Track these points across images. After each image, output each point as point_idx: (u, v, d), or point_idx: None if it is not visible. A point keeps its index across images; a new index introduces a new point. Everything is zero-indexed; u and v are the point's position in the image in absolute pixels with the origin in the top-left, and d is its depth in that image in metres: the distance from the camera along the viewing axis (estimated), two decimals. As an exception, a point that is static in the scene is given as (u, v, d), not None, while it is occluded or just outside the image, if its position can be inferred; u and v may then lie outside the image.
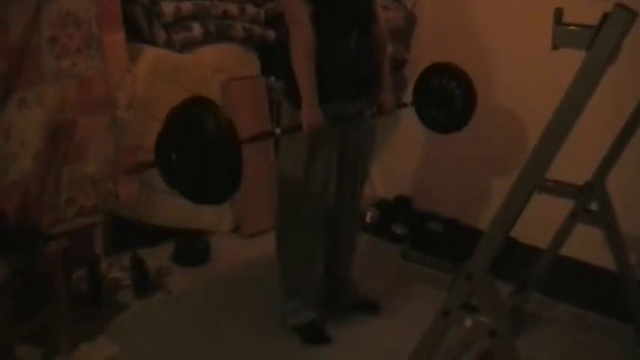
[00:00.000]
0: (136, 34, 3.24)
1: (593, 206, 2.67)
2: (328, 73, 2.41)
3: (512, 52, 3.51)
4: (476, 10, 3.68)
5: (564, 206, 2.71)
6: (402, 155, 4.25)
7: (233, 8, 3.62)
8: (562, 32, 1.58)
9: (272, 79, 3.89)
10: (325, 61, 2.40)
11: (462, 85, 2.89)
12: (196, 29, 3.45)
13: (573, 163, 2.63)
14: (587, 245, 3.11)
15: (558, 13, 1.63)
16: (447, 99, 2.91)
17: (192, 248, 3.40)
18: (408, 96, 3.15)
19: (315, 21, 2.36)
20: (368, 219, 4.00)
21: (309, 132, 2.39)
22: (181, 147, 1.96)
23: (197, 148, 1.91)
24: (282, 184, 2.66)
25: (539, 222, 2.90)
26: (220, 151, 1.90)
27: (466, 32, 3.73)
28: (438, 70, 2.94)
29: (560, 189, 2.67)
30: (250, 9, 3.72)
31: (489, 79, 3.54)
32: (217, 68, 3.59)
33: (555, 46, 1.60)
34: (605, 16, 1.44)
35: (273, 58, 3.85)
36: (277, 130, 2.44)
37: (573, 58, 1.56)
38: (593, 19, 1.49)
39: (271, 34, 3.85)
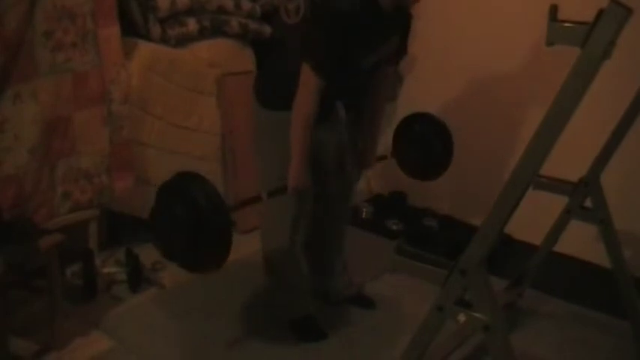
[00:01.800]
0: (131, 29, 3.24)
1: (588, 202, 2.67)
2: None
3: (510, 47, 3.51)
4: (473, 5, 3.67)
5: (559, 202, 2.71)
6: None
7: (228, 3, 3.61)
8: (556, 29, 1.57)
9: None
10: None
11: (440, 134, 2.94)
12: (192, 24, 3.44)
13: (568, 160, 2.64)
14: (581, 241, 3.12)
15: (553, 10, 1.63)
16: (427, 148, 2.97)
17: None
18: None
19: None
20: (363, 215, 4.00)
21: (293, 193, 2.44)
22: (174, 221, 2.07)
23: (189, 220, 2.03)
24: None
25: (534, 218, 2.91)
26: (211, 221, 2.02)
27: (463, 28, 3.73)
28: (416, 121, 3.00)
29: (555, 185, 2.68)
30: (246, 4, 3.71)
31: (486, 75, 3.55)
32: (212, 63, 3.58)
33: (550, 43, 1.60)
34: (600, 13, 1.44)
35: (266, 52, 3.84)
36: (264, 195, 2.45)
37: (571, 55, 1.56)
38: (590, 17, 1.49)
39: (267, 29, 3.84)
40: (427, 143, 2.97)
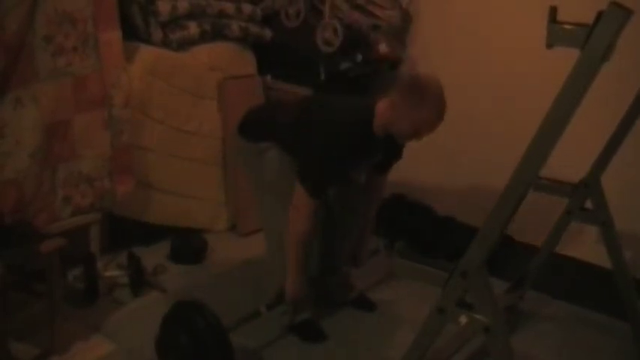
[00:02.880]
0: (132, 33, 3.24)
1: (588, 204, 2.67)
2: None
3: (509, 47, 3.51)
4: (472, 7, 3.68)
5: (560, 204, 2.71)
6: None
7: (229, 7, 3.62)
8: (556, 31, 1.58)
9: (268, 77, 3.89)
10: None
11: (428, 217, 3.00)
12: (193, 28, 3.45)
13: (568, 161, 2.64)
14: (582, 243, 3.12)
15: (553, 12, 1.63)
16: (416, 232, 3.08)
17: (189, 247, 3.40)
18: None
19: None
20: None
21: (291, 303, 2.60)
22: (178, 349, 2.31)
23: (192, 345, 2.29)
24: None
25: (535, 220, 2.91)
26: (212, 344, 2.29)
27: (463, 30, 3.73)
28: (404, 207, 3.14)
29: (555, 187, 2.68)
30: (246, 7, 3.72)
31: (485, 76, 3.54)
32: (214, 67, 3.59)
33: (549, 45, 1.60)
34: (600, 14, 1.45)
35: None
36: (263, 309, 2.55)
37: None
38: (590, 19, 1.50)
39: (267, 32, 3.85)
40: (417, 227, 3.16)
